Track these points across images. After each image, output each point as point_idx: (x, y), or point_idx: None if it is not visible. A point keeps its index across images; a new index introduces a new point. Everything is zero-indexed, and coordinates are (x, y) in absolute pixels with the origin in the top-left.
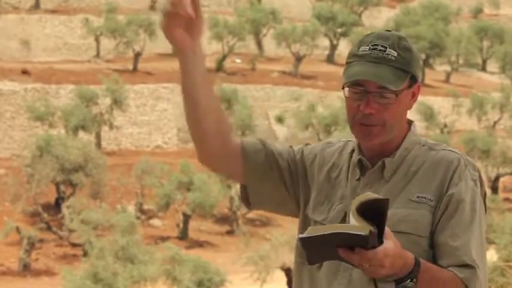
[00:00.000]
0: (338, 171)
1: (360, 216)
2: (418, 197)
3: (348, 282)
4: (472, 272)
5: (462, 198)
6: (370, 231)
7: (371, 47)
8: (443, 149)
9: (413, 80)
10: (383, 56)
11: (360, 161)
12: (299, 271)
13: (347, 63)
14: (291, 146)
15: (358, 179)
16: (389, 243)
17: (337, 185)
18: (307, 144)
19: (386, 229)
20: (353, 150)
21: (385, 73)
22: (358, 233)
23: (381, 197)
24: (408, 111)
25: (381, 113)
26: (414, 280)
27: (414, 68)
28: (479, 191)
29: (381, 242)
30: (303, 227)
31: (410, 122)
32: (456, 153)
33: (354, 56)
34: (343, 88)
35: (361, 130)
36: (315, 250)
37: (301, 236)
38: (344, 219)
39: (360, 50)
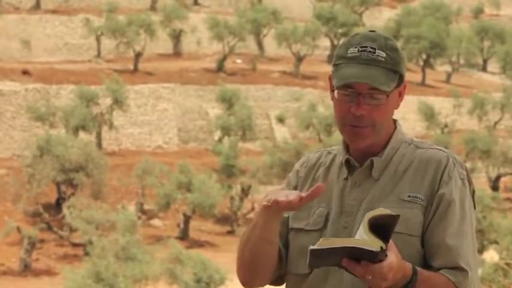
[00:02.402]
0: (314, 177)
1: (370, 230)
2: (409, 196)
3: (339, 283)
4: (465, 275)
5: (453, 199)
6: (381, 248)
7: (360, 49)
8: (431, 148)
9: (401, 79)
10: (373, 57)
11: (347, 161)
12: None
13: (335, 65)
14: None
15: (346, 179)
16: (393, 256)
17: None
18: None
19: (390, 242)
20: (333, 155)
21: (377, 75)
22: (370, 249)
23: (393, 213)
24: (408, 112)
25: (372, 114)
26: None
27: (402, 67)
28: (467, 190)
29: (385, 256)
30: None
31: (395, 121)
32: (444, 151)
33: (342, 58)
34: (333, 90)
35: (351, 132)
36: (320, 259)
37: (312, 247)
38: (326, 222)
39: (349, 52)
